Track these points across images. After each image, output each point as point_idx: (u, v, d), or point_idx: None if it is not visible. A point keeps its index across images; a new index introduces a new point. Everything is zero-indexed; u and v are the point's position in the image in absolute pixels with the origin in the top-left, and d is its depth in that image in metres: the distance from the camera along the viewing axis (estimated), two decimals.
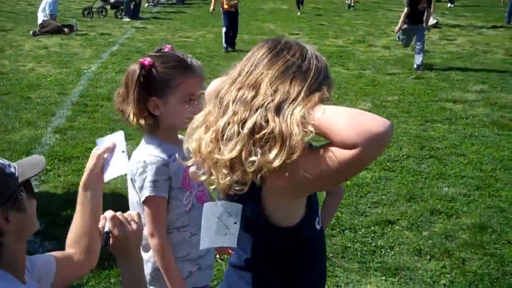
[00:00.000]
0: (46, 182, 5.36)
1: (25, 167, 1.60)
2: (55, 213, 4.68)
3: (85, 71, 10.18)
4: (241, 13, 13.57)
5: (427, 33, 11.62)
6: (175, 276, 2.23)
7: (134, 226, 1.61)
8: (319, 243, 1.81)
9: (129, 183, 2.27)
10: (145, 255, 2.27)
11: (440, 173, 5.71)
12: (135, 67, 2.15)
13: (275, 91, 1.53)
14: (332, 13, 20.04)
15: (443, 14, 20.11)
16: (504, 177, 5.65)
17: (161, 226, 2.20)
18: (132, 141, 6.15)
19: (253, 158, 1.50)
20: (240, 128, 1.52)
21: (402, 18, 10.93)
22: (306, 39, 14.26)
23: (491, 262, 4.10)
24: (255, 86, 1.57)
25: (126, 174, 2.05)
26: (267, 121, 1.50)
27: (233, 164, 1.54)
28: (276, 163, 1.47)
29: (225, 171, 1.56)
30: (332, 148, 1.43)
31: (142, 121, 2.18)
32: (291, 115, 1.48)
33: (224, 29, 12.49)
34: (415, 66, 10.67)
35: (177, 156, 2.13)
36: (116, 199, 4.55)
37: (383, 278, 3.92)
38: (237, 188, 1.57)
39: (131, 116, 2.17)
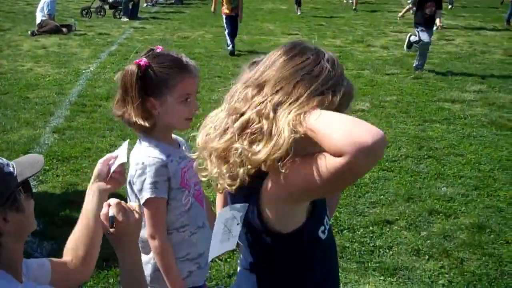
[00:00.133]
0: (45, 182, 5.36)
1: (23, 166, 1.60)
2: (54, 213, 4.68)
3: (83, 71, 10.17)
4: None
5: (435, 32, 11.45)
6: (175, 278, 2.23)
7: (136, 215, 1.65)
8: (323, 251, 1.76)
9: (127, 186, 2.26)
10: (145, 257, 2.27)
11: (438, 173, 5.72)
12: (131, 68, 2.13)
13: (277, 91, 1.54)
14: (331, 13, 20.05)
15: (441, 15, 20.12)
16: (502, 177, 5.65)
17: (162, 227, 2.20)
18: (131, 140, 6.15)
19: (236, 145, 1.53)
20: (235, 121, 1.56)
21: (404, 10, 11.22)
22: (305, 39, 14.27)
23: (489, 262, 4.11)
24: (260, 85, 1.59)
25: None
26: (260, 118, 1.52)
27: (225, 155, 1.58)
28: (260, 156, 1.49)
29: (216, 161, 1.61)
30: (324, 154, 1.41)
31: (143, 122, 2.16)
32: (285, 115, 1.48)
33: (226, 32, 12.37)
34: (414, 64, 10.65)
35: (185, 152, 2.16)
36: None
37: (382, 278, 3.92)
38: (228, 183, 1.59)
39: (132, 117, 2.15)
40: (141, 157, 2.18)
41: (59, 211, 4.73)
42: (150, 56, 2.17)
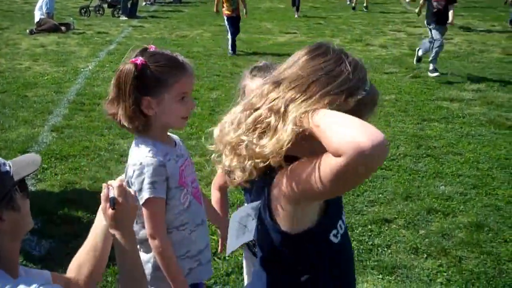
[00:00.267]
0: (43, 180, 5.35)
1: (20, 165, 1.60)
2: (52, 211, 4.68)
3: (82, 69, 10.16)
4: None
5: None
6: (177, 276, 2.23)
7: (135, 200, 1.73)
8: (335, 256, 1.74)
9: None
10: (145, 256, 2.26)
11: (436, 172, 5.72)
12: (127, 67, 2.11)
13: (292, 89, 1.56)
14: (330, 12, 20.05)
15: None
16: (500, 175, 5.66)
17: (162, 227, 2.20)
18: (130, 139, 6.16)
19: (243, 137, 1.56)
20: (248, 116, 1.59)
21: (420, 6, 10.74)
22: (303, 38, 14.31)
23: (487, 260, 4.11)
24: (277, 82, 1.60)
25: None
26: (271, 113, 1.55)
27: (237, 149, 1.60)
28: (265, 149, 1.51)
29: (229, 154, 1.63)
30: (328, 154, 1.41)
31: (135, 122, 2.14)
32: (294, 112, 1.50)
33: (228, 35, 12.09)
34: (430, 68, 10.08)
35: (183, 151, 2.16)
36: None
37: (380, 276, 3.93)
38: (239, 175, 1.62)
39: (124, 117, 2.13)
40: (139, 157, 2.17)
41: (58, 210, 4.73)
42: (146, 55, 2.15)
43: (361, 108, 1.55)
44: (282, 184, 1.57)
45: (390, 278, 3.90)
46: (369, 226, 4.58)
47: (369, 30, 15.82)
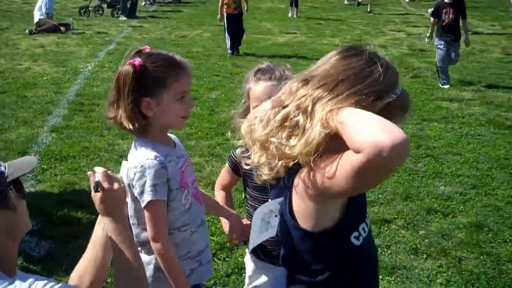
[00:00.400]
0: (43, 181, 5.35)
1: (16, 167, 1.62)
2: (51, 212, 4.67)
3: (81, 70, 10.16)
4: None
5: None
6: (179, 278, 2.23)
7: (120, 183, 1.78)
8: (354, 258, 1.73)
9: (127, 189, 2.25)
10: (146, 258, 2.26)
11: (436, 172, 5.72)
12: (126, 69, 2.10)
13: (320, 87, 1.57)
14: (329, 12, 20.05)
15: None
16: (500, 176, 5.66)
17: (164, 229, 2.19)
18: (129, 139, 6.16)
19: (273, 139, 1.58)
20: (277, 113, 1.61)
21: (430, 28, 9.86)
22: (303, 38, 14.31)
23: (487, 261, 4.11)
24: (306, 80, 1.61)
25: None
26: (299, 112, 1.56)
27: (266, 146, 1.62)
28: (294, 150, 1.54)
29: (258, 151, 1.65)
30: (350, 151, 1.42)
31: (135, 124, 2.13)
32: (320, 111, 1.51)
33: (226, 35, 11.96)
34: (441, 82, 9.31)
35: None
36: None
37: (380, 277, 3.92)
38: (266, 173, 1.64)
39: (124, 120, 2.12)
40: (139, 160, 2.15)
41: (57, 210, 4.72)
42: (143, 56, 2.15)
43: (391, 111, 1.54)
44: (304, 181, 1.59)
45: (390, 279, 3.90)
46: None
47: (368, 30, 15.83)
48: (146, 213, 2.17)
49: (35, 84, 9.08)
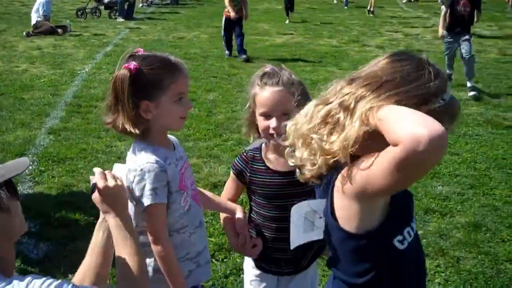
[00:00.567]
0: (40, 183, 5.34)
1: (7, 168, 1.63)
2: (49, 214, 4.66)
3: (78, 72, 10.16)
4: None
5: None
6: (178, 279, 2.22)
7: (118, 182, 1.87)
8: (397, 262, 1.71)
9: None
10: (146, 260, 2.26)
11: (434, 172, 5.72)
12: (122, 73, 2.08)
13: (364, 86, 1.58)
14: (327, 13, 20.07)
15: (436, 14, 20.17)
16: (498, 175, 5.67)
17: (164, 232, 2.18)
18: (127, 141, 6.15)
19: (314, 135, 1.61)
20: (320, 110, 1.63)
21: (441, 20, 9.27)
22: (300, 39, 14.33)
23: (485, 260, 4.11)
24: (353, 79, 1.63)
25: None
26: (341, 109, 1.58)
27: (307, 141, 1.65)
28: (333, 147, 1.55)
29: (300, 146, 1.67)
30: (387, 147, 1.43)
31: (133, 128, 2.11)
32: (361, 109, 1.53)
33: (224, 36, 11.89)
34: (468, 85, 8.89)
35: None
36: None
37: None
38: (309, 169, 1.65)
39: (127, 124, 2.10)
40: (139, 163, 2.13)
41: (55, 212, 4.72)
42: (138, 59, 2.12)
43: (438, 117, 1.49)
44: (344, 180, 1.60)
45: None
46: None
47: (365, 31, 15.85)
48: (146, 216, 2.16)
49: (32, 86, 9.08)
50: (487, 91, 9.12)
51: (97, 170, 1.85)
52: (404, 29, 16.18)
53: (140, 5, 21.00)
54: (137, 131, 2.11)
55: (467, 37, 8.89)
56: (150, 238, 2.18)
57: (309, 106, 1.69)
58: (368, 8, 19.60)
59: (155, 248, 2.18)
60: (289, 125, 1.73)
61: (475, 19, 9.21)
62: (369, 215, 1.62)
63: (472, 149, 6.43)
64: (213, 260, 3.93)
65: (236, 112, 7.30)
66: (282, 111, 2.29)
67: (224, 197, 2.67)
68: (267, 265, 2.59)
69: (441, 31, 9.31)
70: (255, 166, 2.48)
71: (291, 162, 1.75)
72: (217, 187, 5.11)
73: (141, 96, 2.09)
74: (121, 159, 5.56)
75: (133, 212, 2.23)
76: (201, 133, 6.80)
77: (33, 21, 14.31)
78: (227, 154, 6.12)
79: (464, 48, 8.84)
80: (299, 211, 1.84)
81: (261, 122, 2.35)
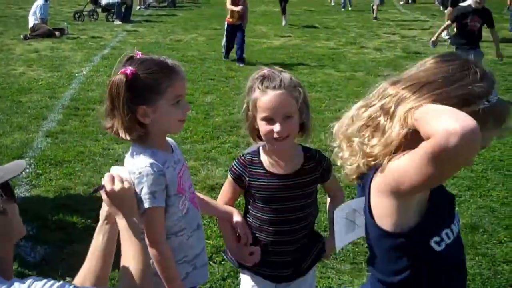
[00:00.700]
0: (38, 186, 5.34)
1: (5, 171, 1.64)
2: (47, 217, 4.66)
3: (76, 74, 10.15)
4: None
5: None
6: (176, 283, 2.22)
7: (125, 185, 1.93)
8: (434, 263, 1.70)
9: None
10: None
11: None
12: (117, 78, 2.07)
13: (406, 88, 1.59)
14: (324, 15, 20.09)
15: (433, 16, 20.21)
16: (495, 177, 5.68)
17: (162, 235, 2.17)
18: (125, 144, 6.15)
19: (356, 138, 1.65)
20: (364, 112, 1.67)
21: (440, 30, 9.32)
22: (298, 41, 14.34)
23: (482, 262, 4.12)
24: (397, 81, 1.64)
25: None
26: (382, 112, 1.61)
27: (350, 142, 1.69)
28: (374, 150, 1.60)
29: (345, 146, 1.72)
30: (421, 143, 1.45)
31: (132, 134, 2.11)
32: (400, 111, 1.55)
33: (224, 41, 11.77)
34: None
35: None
36: None
37: None
38: (350, 168, 1.70)
39: (121, 129, 2.09)
40: (138, 166, 2.11)
41: (52, 215, 4.71)
42: (134, 63, 2.11)
43: (483, 119, 1.50)
44: (380, 178, 1.62)
45: None
46: None
47: (363, 33, 15.87)
48: (144, 220, 2.16)
49: (30, 89, 9.07)
50: None
51: (107, 174, 1.95)
52: (402, 31, 16.21)
53: (138, 7, 21.00)
54: (129, 138, 2.11)
55: (478, 53, 8.48)
56: (147, 241, 2.18)
57: (354, 107, 1.73)
58: (375, 15, 19.23)
59: (152, 251, 2.18)
60: (336, 126, 1.77)
61: (494, 40, 8.76)
62: (404, 213, 1.63)
63: None
64: (211, 262, 3.93)
65: (234, 115, 7.30)
66: (285, 114, 2.28)
67: (220, 201, 2.64)
68: (264, 270, 2.56)
69: (435, 37, 9.22)
70: (253, 170, 2.46)
71: (338, 163, 1.79)
72: (214, 189, 5.10)
73: (138, 101, 2.07)
74: (119, 162, 5.55)
75: None
76: (198, 136, 6.80)
77: (31, 24, 14.30)
78: (225, 156, 6.12)
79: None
80: (340, 213, 1.86)
81: (264, 127, 2.31)
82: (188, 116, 2.25)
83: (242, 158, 2.50)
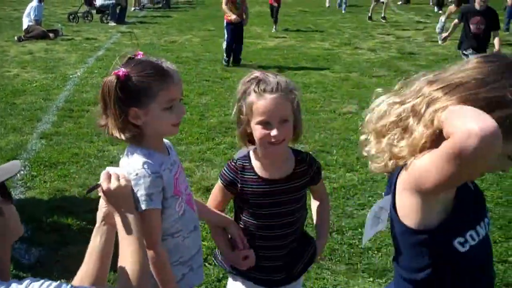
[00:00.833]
0: (32, 188, 5.32)
1: (1, 172, 1.64)
2: (41, 219, 4.65)
3: (70, 76, 10.13)
4: None
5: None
6: (171, 285, 2.22)
7: (121, 183, 1.93)
8: (458, 264, 1.69)
9: None
10: None
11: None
12: (109, 79, 2.07)
13: (439, 89, 1.58)
14: (318, 16, 20.12)
15: (427, 16, 20.26)
16: (489, 177, 5.68)
17: (157, 237, 2.17)
18: (119, 145, 6.14)
19: (384, 139, 1.66)
20: (395, 109, 1.66)
21: (451, 28, 9.00)
22: (293, 42, 14.35)
23: None
24: (432, 81, 1.63)
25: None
26: (412, 113, 1.61)
27: (379, 138, 1.70)
28: (401, 152, 1.61)
29: (373, 142, 1.73)
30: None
31: (125, 134, 2.10)
32: (428, 114, 1.55)
33: (225, 43, 11.31)
34: None
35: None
36: None
37: (371, 279, 3.94)
38: (375, 165, 1.72)
39: (114, 129, 2.09)
40: (134, 168, 2.10)
41: (47, 217, 4.70)
42: (129, 64, 2.10)
43: (508, 128, 1.46)
44: (405, 175, 1.63)
45: (381, 281, 3.91)
46: (360, 229, 4.58)
47: (357, 33, 15.90)
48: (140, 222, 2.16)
49: (24, 91, 9.05)
50: None
51: (103, 172, 1.96)
52: (396, 31, 16.24)
53: (132, 8, 20.97)
54: (123, 137, 2.11)
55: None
56: (144, 243, 2.18)
57: (382, 100, 1.73)
58: (382, 15, 18.94)
59: (149, 253, 2.18)
60: (367, 117, 1.77)
61: (496, 44, 8.35)
62: (428, 211, 1.63)
63: None
64: (206, 264, 3.93)
65: (229, 116, 7.28)
66: (281, 118, 2.25)
67: (210, 206, 2.60)
68: (255, 274, 2.52)
69: (443, 35, 8.99)
70: (246, 176, 2.41)
71: (364, 153, 1.80)
72: (209, 190, 5.03)
73: (130, 103, 2.06)
74: (114, 163, 5.54)
75: None
76: (193, 137, 6.80)
77: (25, 26, 14.27)
78: (220, 157, 6.12)
79: None
80: (371, 213, 1.90)
81: (259, 131, 2.26)
82: (183, 117, 2.23)
83: (233, 163, 2.44)
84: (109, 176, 1.94)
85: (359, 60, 11.84)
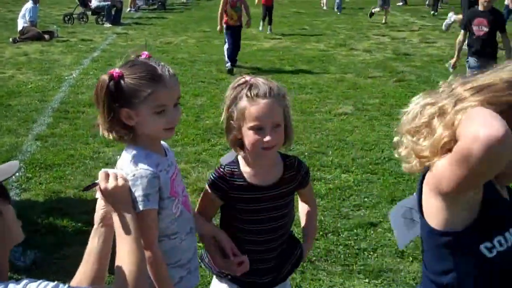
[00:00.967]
0: (27, 190, 5.31)
1: None
2: (37, 221, 4.64)
3: (66, 77, 10.12)
4: None
5: None
6: (167, 286, 2.22)
7: (119, 182, 1.94)
8: (484, 270, 1.67)
9: None
10: None
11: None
12: (103, 78, 2.07)
13: (468, 89, 1.59)
14: (314, 17, 20.13)
15: (422, 17, 20.31)
16: None
17: (154, 238, 2.17)
18: (115, 147, 6.14)
19: (408, 137, 1.68)
20: (429, 109, 1.66)
21: (457, 47, 8.26)
22: (288, 43, 14.36)
23: None
24: (466, 82, 1.64)
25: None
26: (438, 114, 1.61)
27: (408, 139, 1.71)
28: (424, 152, 1.62)
29: (404, 141, 1.74)
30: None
31: (112, 134, 2.11)
32: (452, 114, 1.55)
33: (226, 46, 10.99)
34: None
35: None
36: None
37: (366, 280, 3.94)
38: (405, 165, 1.74)
39: (102, 127, 2.10)
40: (131, 168, 2.10)
41: (43, 219, 4.69)
42: (126, 65, 2.11)
43: None
44: (429, 176, 1.65)
45: (377, 282, 3.92)
46: (355, 230, 4.60)
47: (353, 34, 15.92)
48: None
49: (19, 92, 9.03)
50: None
51: (102, 171, 1.97)
52: (391, 32, 16.27)
53: (128, 10, 20.95)
54: (110, 137, 2.12)
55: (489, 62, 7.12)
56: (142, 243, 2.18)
57: (417, 102, 1.73)
58: (383, 21, 18.76)
59: (146, 254, 2.18)
60: (403, 118, 1.77)
61: (505, 45, 7.71)
62: (451, 213, 1.63)
63: None
64: (202, 265, 3.92)
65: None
66: (274, 123, 2.23)
67: (198, 213, 2.55)
68: (243, 277, 2.47)
69: (453, 60, 8.26)
70: (235, 183, 2.37)
71: (396, 154, 1.81)
72: None
73: (122, 104, 2.07)
74: (109, 165, 5.54)
75: None
76: (189, 138, 6.80)
77: (20, 27, 14.23)
78: (216, 159, 6.11)
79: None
80: (397, 214, 1.91)
81: (252, 136, 2.23)
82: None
83: (221, 170, 2.40)
84: (107, 176, 1.94)
85: (355, 61, 11.86)
